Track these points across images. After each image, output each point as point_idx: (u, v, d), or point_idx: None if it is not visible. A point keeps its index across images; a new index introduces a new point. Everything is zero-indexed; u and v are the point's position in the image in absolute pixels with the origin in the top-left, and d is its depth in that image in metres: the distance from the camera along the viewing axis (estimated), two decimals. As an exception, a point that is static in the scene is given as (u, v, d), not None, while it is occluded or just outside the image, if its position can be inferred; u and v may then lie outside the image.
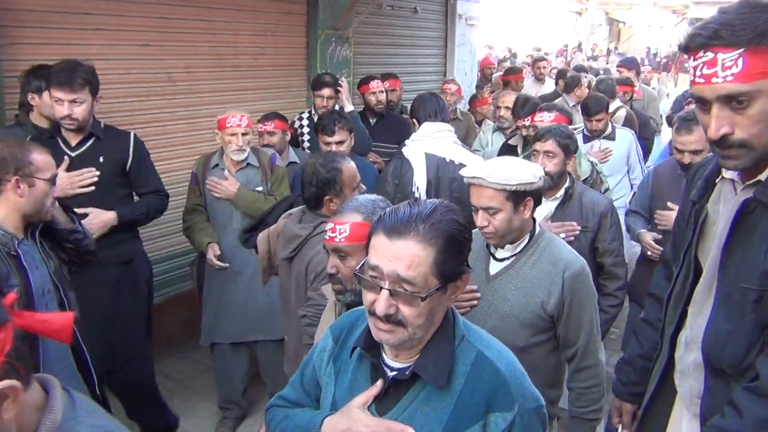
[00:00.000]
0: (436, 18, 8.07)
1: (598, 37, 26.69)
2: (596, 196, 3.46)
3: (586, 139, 5.08)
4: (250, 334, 4.06)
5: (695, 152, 3.52)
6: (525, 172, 2.34)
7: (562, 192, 3.39)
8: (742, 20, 1.42)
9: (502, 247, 2.44)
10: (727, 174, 1.69)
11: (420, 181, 3.65)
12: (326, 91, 4.94)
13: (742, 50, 1.42)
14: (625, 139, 5.13)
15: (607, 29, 27.84)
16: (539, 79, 8.49)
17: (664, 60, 23.02)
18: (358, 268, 1.47)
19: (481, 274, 2.48)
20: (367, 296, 1.43)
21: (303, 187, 2.77)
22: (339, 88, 4.97)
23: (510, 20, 21.50)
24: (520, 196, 2.32)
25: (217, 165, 4.00)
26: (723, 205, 1.71)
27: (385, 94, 5.36)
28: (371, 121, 5.34)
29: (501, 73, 8.54)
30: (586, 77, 7.21)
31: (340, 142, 3.84)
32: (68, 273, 2.79)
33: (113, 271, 3.51)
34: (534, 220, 2.48)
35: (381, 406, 1.51)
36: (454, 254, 1.42)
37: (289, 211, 3.01)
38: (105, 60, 4.47)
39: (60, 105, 3.25)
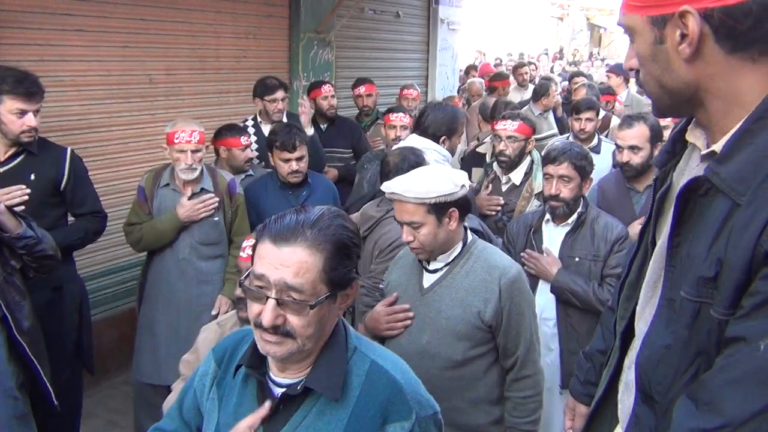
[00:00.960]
0: (419, 22, 8.13)
1: (579, 42, 26.96)
2: (611, 222, 3.13)
3: None
4: (169, 378, 3.32)
5: (633, 149, 3.44)
6: (444, 182, 2.25)
7: (574, 217, 3.13)
8: None
9: (435, 259, 2.37)
10: (690, 137, 1.32)
11: None
12: (280, 93, 4.68)
13: None
14: (611, 153, 4.60)
15: (588, 34, 28.12)
16: (522, 85, 8.54)
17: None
18: (243, 278, 1.40)
19: (415, 287, 2.41)
20: (253, 307, 1.36)
21: (389, 174, 2.79)
22: (302, 107, 4.61)
23: (491, 25, 21.64)
24: (442, 208, 2.25)
25: (168, 184, 3.67)
26: (686, 177, 1.28)
27: (335, 98, 5.26)
28: (322, 126, 5.19)
29: (475, 79, 8.50)
30: (555, 85, 7.07)
31: (300, 158, 3.68)
32: (26, 279, 2.66)
33: (41, 297, 3.09)
34: (465, 228, 2.41)
35: (270, 427, 1.41)
36: (343, 260, 1.37)
37: None
38: (85, 61, 4.47)
39: (19, 116, 3.07)
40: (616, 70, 7.53)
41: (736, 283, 1.07)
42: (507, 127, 3.85)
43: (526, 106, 6.38)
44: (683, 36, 1.14)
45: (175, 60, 5.11)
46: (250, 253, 1.54)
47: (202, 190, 3.63)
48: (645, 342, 1.29)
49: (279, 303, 1.32)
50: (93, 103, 4.56)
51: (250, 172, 4.26)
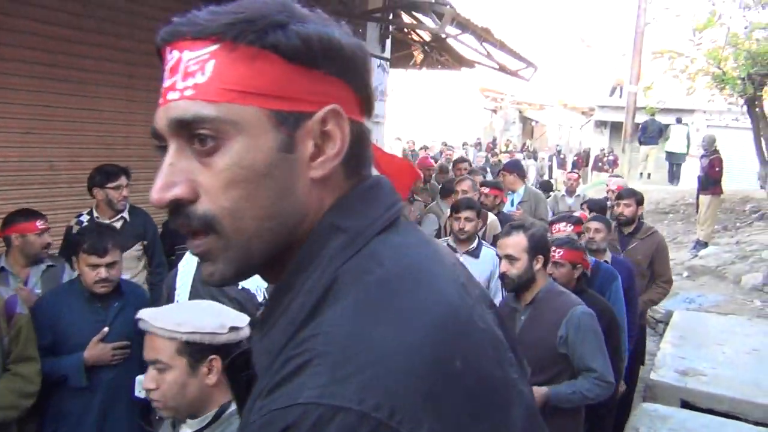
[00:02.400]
0: (342, 114, 8.27)
1: (512, 133, 28.14)
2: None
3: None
4: None
5: (510, 258, 3.08)
6: (209, 318, 1.76)
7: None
8: (226, 5, 0.78)
9: (183, 421, 1.78)
10: None
11: None
12: (123, 180, 4.16)
13: (213, 47, 0.75)
14: (489, 259, 4.33)
15: (520, 126, 29.39)
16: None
17: (574, 158, 24.39)
18: None
19: None
20: None
21: None
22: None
23: (424, 116, 22.38)
24: (198, 352, 1.70)
25: None
26: None
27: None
28: None
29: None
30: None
31: (112, 264, 3.06)
32: None
33: None
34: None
35: None
36: None
37: None
38: (-20, 147, 4.35)
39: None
40: (510, 168, 7.08)
41: None
42: None
43: (434, 202, 6.39)
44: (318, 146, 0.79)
45: (79, 147, 5.03)
46: None
47: None
48: None
49: None
50: (-13, 190, 4.42)
51: (50, 262, 3.66)
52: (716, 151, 11.55)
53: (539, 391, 2.82)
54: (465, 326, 0.76)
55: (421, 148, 17.74)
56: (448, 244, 4.37)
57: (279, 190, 0.78)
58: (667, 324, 7.27)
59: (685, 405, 4.99)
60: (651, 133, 18.05)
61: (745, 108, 9.78)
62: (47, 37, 4.67)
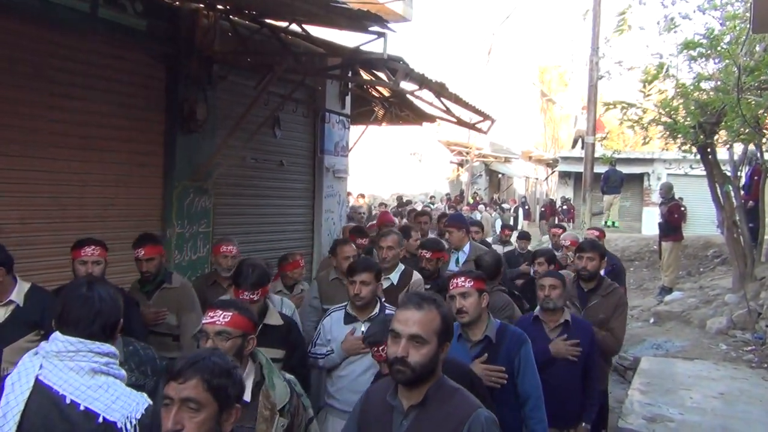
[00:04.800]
0: (303, 170, 8.30)
1: (479, 186, 28.48)
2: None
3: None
4: None
5: (415, 340, 2.26)
6: None
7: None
8: None
9: None
10: None
11: None
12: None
13: None
14: None
15: (487, 179, 29.79)
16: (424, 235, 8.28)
17: (542, 209, 24.77)
18: None
19: None
20: None
21: None
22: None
23: (389, 167, 22.58)
24: None
25: None
26: None
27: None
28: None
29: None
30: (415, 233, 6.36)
31: None
32: None
33: None
34: None
35: None
36: None
37: None
38: (-77, 211, 4.23)
39: None
40: (455, 222, 6.08)
41: None
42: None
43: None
44: None
45: (30, 209, 4.92)
46: None
47: None
48: None
49: None
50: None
51: None
52: (673, 198, 11.82)
53: None
54: None
55: (380, 204, 17.82)
56: (346, 312, 3.89)
57: None
58: (634, 371, 7.26)
59: (653, 452, 4.94)
60: (613, 183, 18.48)
61: (698, 156, 10.03)
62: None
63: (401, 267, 4.97)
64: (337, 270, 4.86)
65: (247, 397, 2.54)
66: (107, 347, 2.25)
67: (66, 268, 4.45)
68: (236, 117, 6.40)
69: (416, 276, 4.96)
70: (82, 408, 2.10)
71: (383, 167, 21.69)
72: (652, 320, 10.08)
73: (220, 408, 1.95)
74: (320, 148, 8.39)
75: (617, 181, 18.63)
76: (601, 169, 15.86)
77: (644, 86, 9.41)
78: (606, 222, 18.65)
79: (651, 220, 17.95)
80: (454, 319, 2.69)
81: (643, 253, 15.40)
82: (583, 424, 4.07)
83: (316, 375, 4.08)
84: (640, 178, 23.23)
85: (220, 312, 2.69)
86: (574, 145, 25.25)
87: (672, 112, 9.46)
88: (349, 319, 3.87)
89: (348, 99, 8.91)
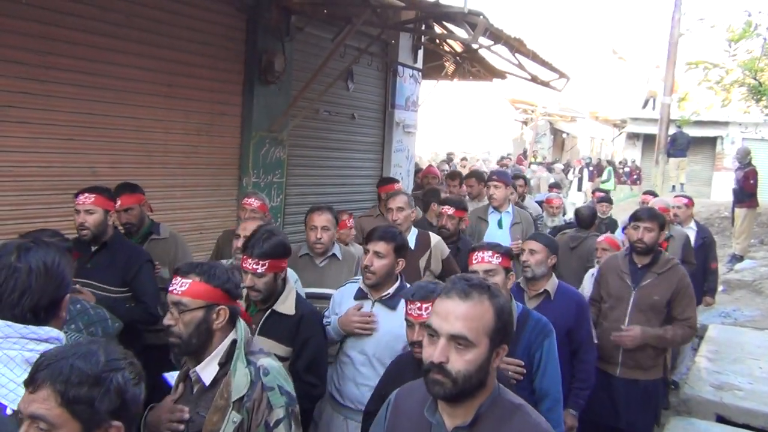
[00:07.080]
0: (374, 124, 8.36)
1: (543, 145, 27.97)
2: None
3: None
4: None
5: (458, 342, 1.76)
6: None
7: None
8: None
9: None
10: None
11: None
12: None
13: None
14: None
15: (551, 138, 29.18)
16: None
17: (590, 170, 23.96)
18: None
19: None
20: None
21: None
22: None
23: (457, 126, 22.38)
24: None
25: None
26: None
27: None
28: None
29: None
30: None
31: None
32: None
33: None
34: None
35: None
36: None
37: None
38: (25, 152, 4.48)
39: None
40: (502, 178, 5.68)
41: None
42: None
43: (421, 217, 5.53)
44: None
45: (120, 153, 5.14)
46: None
47: None
48: None
49: None
50: (30, 194, 4.53)
51: None
52: (750, 164, 11.37)
53: None
54: None
55: (442, 160, 17.68)
56: (359, 288, 3.32)
57: None
58: (701, 338, 7.15)
59: (721, 420, 4.91)
60: (680, 146, 17.82)
61: (782, 120, 9.59)
62: (89, 46, 4.80)
63: (415, 231, 4.49)
64: (307, 244, 4.09)
65: (207, 380, 2.23)
66: (48, 331, 1.72)
67: (156, 213, 4.68)
68: (312, 69, 6.47)
69: (435, 237, 4.48)
70: (9, 411, 1.56)
71: (447, 123, 21.51)
72: (721, 288, 9.83)
73: (85, 428, 1.40)
74: (391, 102, 8.41)
75: (684, 143, 17.93)
76: (672, 131, 15.34)
77: (729, 45, 9.00)
78: (674, 186, 18.11)
79: (722, 186, 17.36)
80: (511, 314, 1.94)
81: (712, 219, 14.94)
82: (571, 411, 3.58)
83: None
84: (712, 141, 22.35)
85: (179, 279, 2.24)
86: (644, 106, 24.35)
87: (757, 73, 9.03)
88: (360, 294, 3.29)
89: (420, 53, 8.84)
